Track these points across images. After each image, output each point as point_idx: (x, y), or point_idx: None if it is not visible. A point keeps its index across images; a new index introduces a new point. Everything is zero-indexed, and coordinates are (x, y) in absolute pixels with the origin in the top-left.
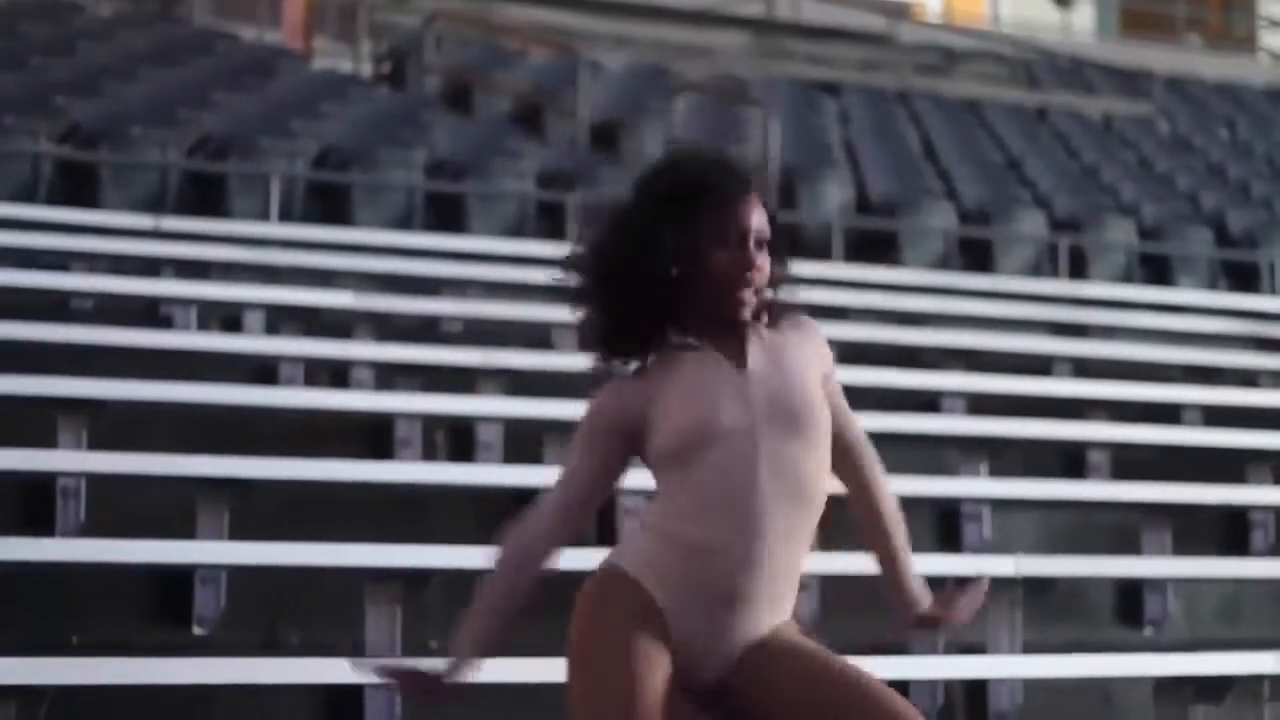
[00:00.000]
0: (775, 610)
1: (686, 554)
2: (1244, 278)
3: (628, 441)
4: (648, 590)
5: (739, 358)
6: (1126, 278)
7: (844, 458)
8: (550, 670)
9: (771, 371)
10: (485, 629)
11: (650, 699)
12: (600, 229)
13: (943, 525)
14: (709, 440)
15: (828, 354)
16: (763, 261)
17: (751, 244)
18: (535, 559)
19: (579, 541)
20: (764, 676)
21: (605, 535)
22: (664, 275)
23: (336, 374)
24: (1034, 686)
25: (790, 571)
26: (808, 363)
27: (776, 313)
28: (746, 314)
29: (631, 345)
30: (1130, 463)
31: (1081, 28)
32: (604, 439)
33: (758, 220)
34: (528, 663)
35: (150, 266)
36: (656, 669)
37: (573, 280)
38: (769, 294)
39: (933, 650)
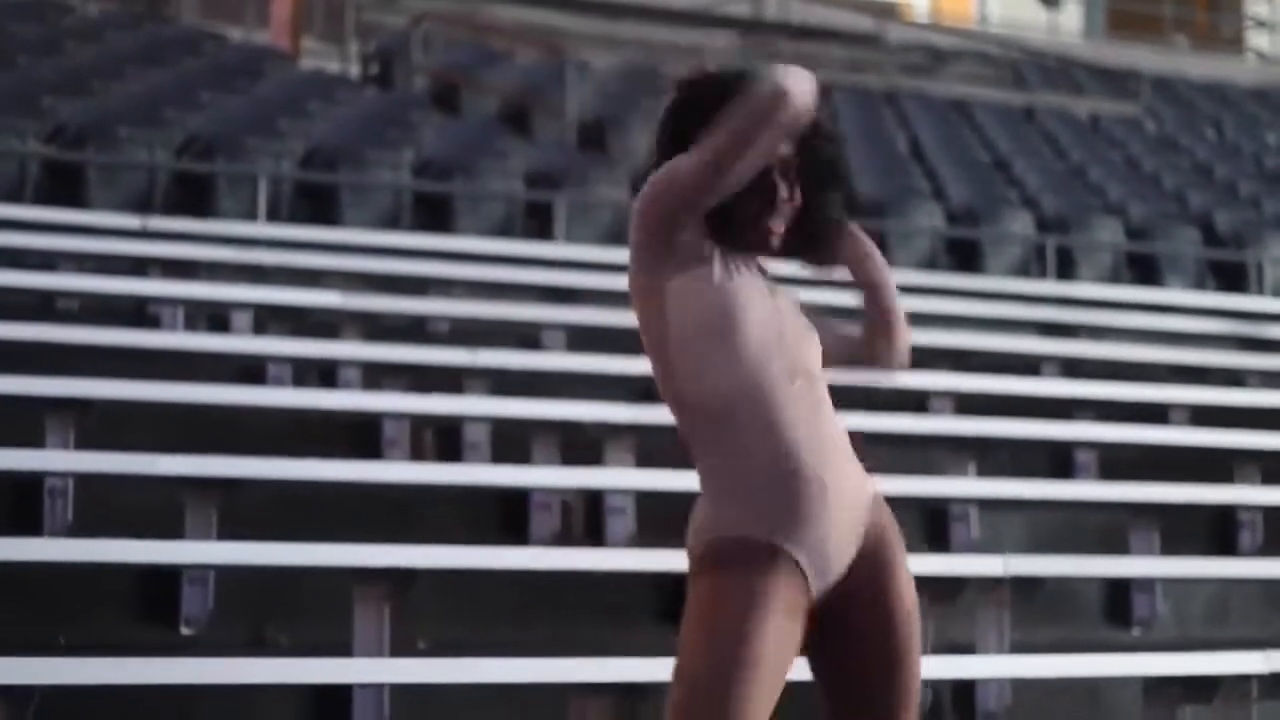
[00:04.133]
0: (860, 482)
1: (755, 459)
2: (1231, 277)
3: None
4: (768, 540)
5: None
6: (1114, 278)
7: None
8: (543, 671)
9: (783, 296)
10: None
11: (779, 679)
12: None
13: (930, 525)
14: (734, 319)
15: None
16: (793, 196)
17: (784, 174)
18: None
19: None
20: (849, 624)
21: (594, 533)
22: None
23: (324, 374)
24: (1022, 686)
25: (845, 445)
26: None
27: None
28: (774, 244)
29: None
30: (1118, 462)
31: (1069, 28)
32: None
33: (784, 146)
34: (521, 663)
35: (137, 266)
36: (791, 649)
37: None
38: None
39: (921, 650)
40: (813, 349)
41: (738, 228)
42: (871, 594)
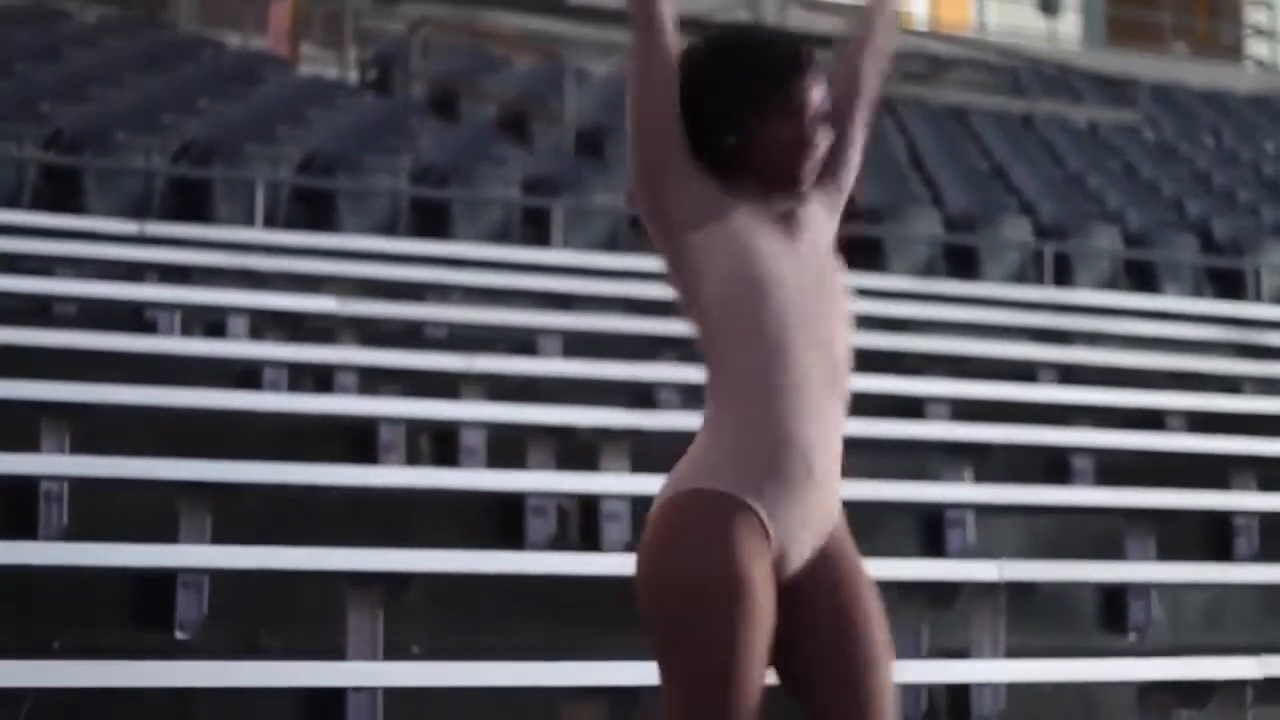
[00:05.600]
0: (839, 488)
1: (760, 435)
2: (1228, 284)
3: (678, 159)
4: (738, 495)
5: (790, 228)
6: (1111, 284)
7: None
8: (537, 675)
9: (811, 249)
10: None
11: (767, 628)
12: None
13: (926, 530)
14: (763, 285)
15: (839, 192)
16: (822, 137)
17: (809, 117)
18: None
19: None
20: (812, 606)
21: (589, 538)
22: (720, 145)
23: (320, 379)
24: (1017, 692)
25: (840, 454)
26: (830, 229)
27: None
28: (806, 186)
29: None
30: (1114, 468)
31: (1067, 35)
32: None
33: (817, 94)
34: (515, 667)
35: (134, 272)
36: (769, 593)
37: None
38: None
39: (916, 655)
40: (833, 312)
41: (773, 171)
42: (830, 594)
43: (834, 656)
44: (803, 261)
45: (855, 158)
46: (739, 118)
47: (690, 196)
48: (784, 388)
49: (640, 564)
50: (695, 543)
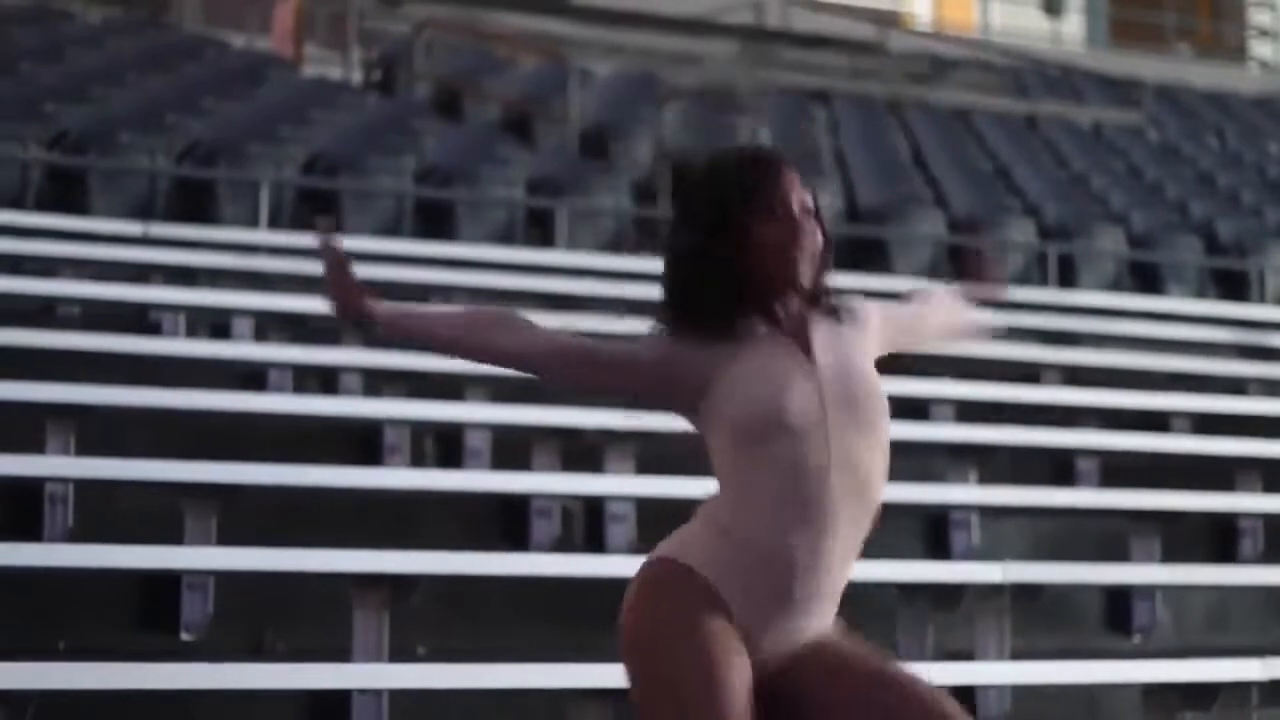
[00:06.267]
0: (831, 609)
1: (754, 557)
2: (1233, 286)
3: (676, 385)
4: (712, 585)
5: (806, 348)
6: (1116, 286)
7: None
8: (542, 677)
9: (838, 363)
10: (416, 316)
11: (738, 684)
12: (664, 238)
13: (931, 532)
14: (781, 424)
15: (876, 325)
16: (812, 228)
17: (797, 211)
18: (500, 328)
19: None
20: (815, 675)
21: (594, 540)
22: (718, 262)
23: (325, 380)
24: (1022, 693)
25: (848, 570)
26: (866, 353)
27: (833, 303)
28: (806, 278)
29: (702, 322)
30: (1119, 470)
31: (1071, 36)
32: (661, 361)
33: (799, 190)
34: (520, 669)
35: (139, 273)
36: (736, 655)
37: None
38: (826, 276)
39: (920, 657)
40: (864, 431)
41: (773, 278)
42: (815, 658)
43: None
44: (825, 386)
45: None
46: (730, 231)
47: (695, 376)
48: (788, 514)
49: (625, 620)
50: (662, 611)
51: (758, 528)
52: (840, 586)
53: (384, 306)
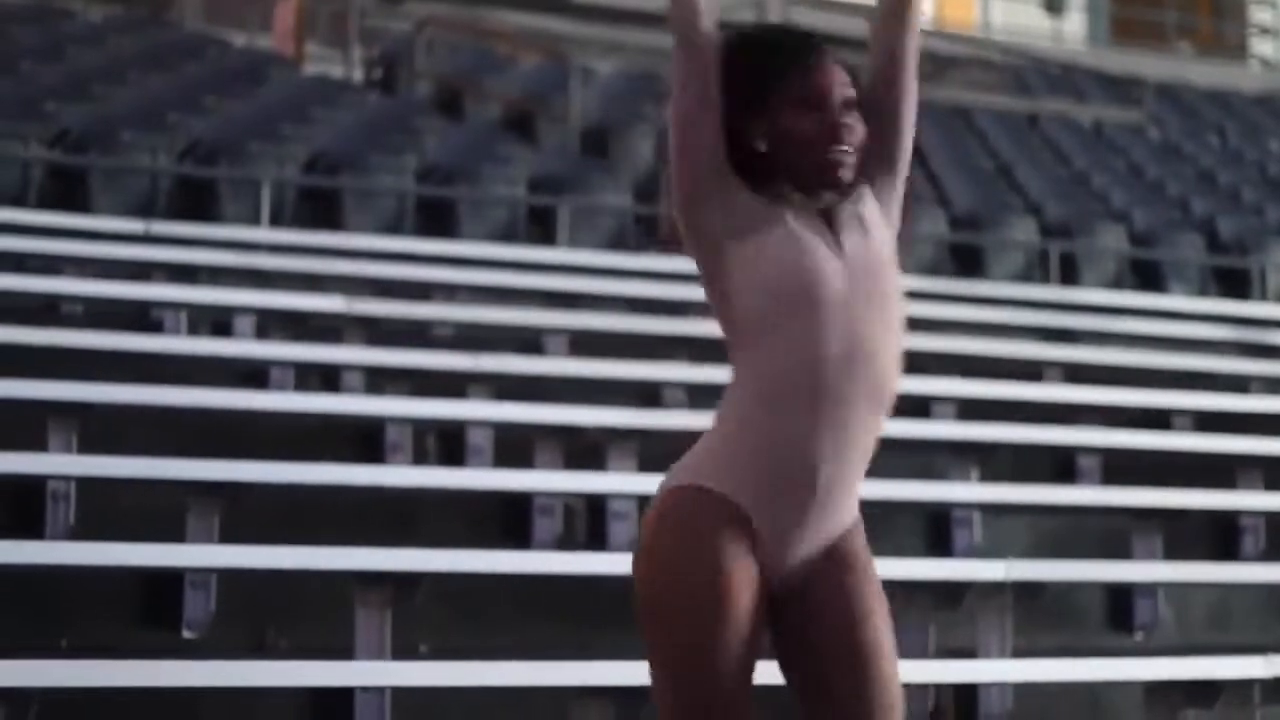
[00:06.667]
0: (851, 501)
1: (769, 444)
2: (1234, 284)
3: (721, 171)
4: (730, 497)
5: (834, 230)
6: (1117, 284)
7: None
8: (545, 675)
9: (864, 252)
10: None
11: (743, 617)
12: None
13: (933, 530)
14: (807, 294)
15: (894, 182)
16: (852, 121)
17: (835, 103)
18: None
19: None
20: (814, 604)
21: (596, 538)
22: (753, 151)
23: (327, 378)
24: (1024, 691)
25: (864, 464)
26: (886, 241)
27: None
28: (845, 174)
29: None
30: (1121, 468)
31: (1072, 34)
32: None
33: (840, 81)
34: (523, 667)
35: (140, 271)
36: (748, 585)
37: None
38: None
39: (923, 654)
40: (881, 320)
41: (806, 167)
42: (832, 594)
43: (833, 652)
44: (850, 268)
45: (905, 143)
46: (762, 118)
47: (731, 209)
48: (807, 399)
49: (634, 554)
50: (676, 540)
51: (773, 418)
52: (858, 480)
53: None
